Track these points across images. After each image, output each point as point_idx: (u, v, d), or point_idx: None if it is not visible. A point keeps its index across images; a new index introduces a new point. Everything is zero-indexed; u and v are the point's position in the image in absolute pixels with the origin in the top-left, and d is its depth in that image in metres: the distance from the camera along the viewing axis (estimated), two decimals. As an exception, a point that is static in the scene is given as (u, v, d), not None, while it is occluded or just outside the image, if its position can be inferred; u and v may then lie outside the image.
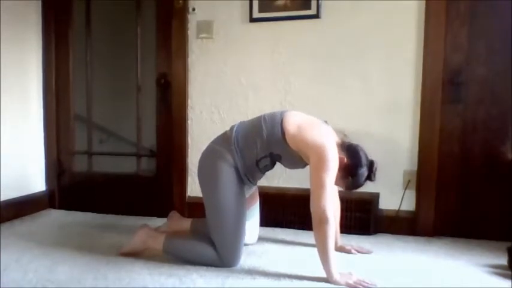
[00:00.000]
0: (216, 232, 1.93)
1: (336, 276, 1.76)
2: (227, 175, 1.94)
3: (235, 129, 2.01)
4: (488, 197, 2.39)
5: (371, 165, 1.91)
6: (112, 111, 3.59)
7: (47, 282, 1.78)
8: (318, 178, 1.79)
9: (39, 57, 3.00)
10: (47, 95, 3.03)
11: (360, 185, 1.94)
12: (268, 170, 2.06)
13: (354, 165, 1.89)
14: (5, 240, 2.31)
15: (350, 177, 1.89)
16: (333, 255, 1.79)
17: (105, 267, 1.93)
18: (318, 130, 1.91)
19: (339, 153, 1.86)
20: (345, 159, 1.87)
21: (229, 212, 1.92)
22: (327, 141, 1.84)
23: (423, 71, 2.41)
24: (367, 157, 1.92)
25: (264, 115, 2.01)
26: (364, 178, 1.91)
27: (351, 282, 1.75)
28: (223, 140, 2.02)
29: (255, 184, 2.15)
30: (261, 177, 2.12)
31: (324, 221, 1.75)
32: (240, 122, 2.07)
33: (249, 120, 2.06)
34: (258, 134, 1.95)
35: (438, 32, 2.37)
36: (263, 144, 1.94)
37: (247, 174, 1.99)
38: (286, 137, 1.89)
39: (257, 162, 1.97)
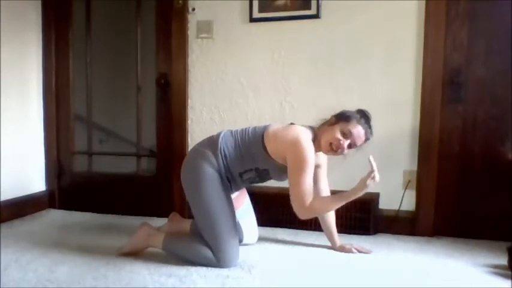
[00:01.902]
0: (207, 234, 1.94)
1: (355, 188, 1.89)
2: (210, 176, 1.94)
3: (222, 136, 2.01)
4: (488, 197, 2.39)
5: (357, 109, 1.98)
6: (112, 111, 3.59)
7: (47, 282, 1.78)
8: (295, 179, 1.86)
9: (39, 57, 3.00)
10: (47, 95, 3.03)
11: (363, 122, 1.94)
12: (254, 183, 2.08)
13: (342, 112, 1.97)
14: (5, 240, 2.30)
15: (350, 120, 1.92)
16: (337, 197, 1.93)
17: (105, 267, 1.93)
18: (291, 131, 1.92)
19: (326, 121, 1.97)
20: (333, 116, 1.96)
21: (216, 211, 1.92)
22: (299, 136, 1.88)
23: (423, 71, 2.40)
24: None
25: (248, 130, 2.02)
26: (359, 114, 1.95)
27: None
28: (210, 143, 2.02)
29: (235, 192, 2.15)
30: (244, 187, 2.16)
31: (312, 210, 1.90)
32: (227, 130, 2.07)
33: (235, 131, 2.05)
34: (242, 146, 1.97)
35: (438, 32, 2.37)
36: (247, 158, 1.96)
37: (230, 181, 2.00)
38: (268, 150, 1.92)
39: (241, 174, 1.99)
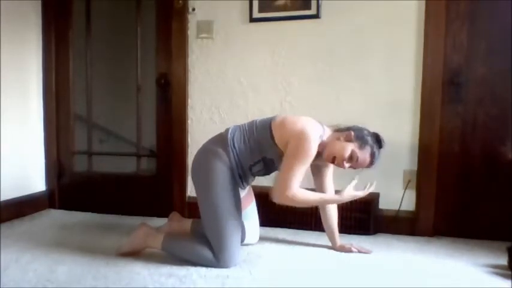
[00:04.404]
0: (212, 232, 1.93)
1: (343, 194, 1.95)
2: (222, 174, 1.94)
3: (230, 131, 2.02)
4: (488, 197, 2.39)
5: (375, 134, 1.97)
6: (112, 111, 3.59)
7: (47, 282, 1.78)
8: (289, 165, 1.86)
9: (39, 57, 3.00)
10: (47, 95, 3.03)
11: (374, 154, 1.93)
12: (261, 175, 2.08)
13: (361, 132, 1.94)
14: (5, 240, 2.31)
15: (364, 146, 1.91)
16: (322, 196, 2.05)
17: (105, 267, 1.93)
18: (301, 121, 1.93)
19: (343, 132, 1.94)
20: (352, 132, 1.92)
21: (224, 212, 1.92)
22: (308, 130, 1.88)
23: (423, 71, 2.40)
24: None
25: (256, 120, 2.05)
26: (374, 144, 1.93)
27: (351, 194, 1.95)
28: (219, 140, 2.02)
29: (246, 187, 2.16)
30: (253, 180, 2.16)
31: (291, 200, 1.89)
32: (234, 125, 2.08)
33: (242, 124, 2.07)
34: (250, 138, 1.98)
35: (438, 32, 2.37)
36: (256, 149, 1.97)
37: (241, 176, 2.01)
38: (275, 137, 1.92)
39: (251, 167, 2.00)
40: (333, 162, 1.94)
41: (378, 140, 1.95)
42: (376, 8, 2.46)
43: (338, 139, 1.93)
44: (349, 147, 1.90)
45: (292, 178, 1.85)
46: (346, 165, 1.92)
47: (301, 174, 1.87)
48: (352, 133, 1.92)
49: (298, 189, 1.87)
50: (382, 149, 1.96)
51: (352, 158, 1.90)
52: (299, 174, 1.86)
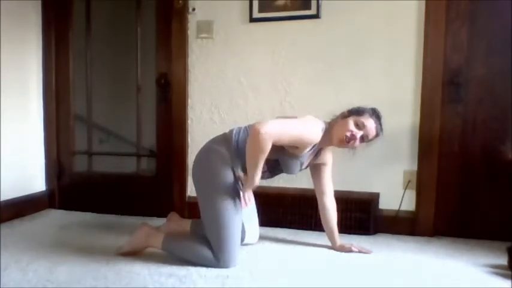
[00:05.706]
0: (212, 232, 1.93)
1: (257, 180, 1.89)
2: (224, 175, 1.94)
3: (235, 132, 2.02)
4: (488, 197, 2.39)
5: (371, 108, 2.00)
6: (112, 111, 3.59)
7: (47, 282, 1.78)
8: (291, 123, 1.93)
9: (39, 57, 3.00)
10: (47, 95, 3.03)
11: (375, 120, 1.96)
12: (264, 178, 2.06)
13: (355, 107, 1.99)
14: (5, 240, 2.31)
15: (363, 113, 1.95)
16: (259, 165, 1.86)
17: (105, 267, 1.93)
18: (303, 116, 1.97)
19: (340, 116, 1.99)
20: (347, 111, 1.98)
21: (224, 212, 1.91)
22: (309, 120, 1.95)
23: (423, 71, 2.41)
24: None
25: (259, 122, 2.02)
26: (370, 110, 1.97)
27: None
28: (223, 141, 2.02)
29: None
30: None
31: (261, 138, 1.79)
32: (238, 126, 2.08)
33: (246, 126, 2.06)
34: None
35: (438, 32, 2.37)
36: None
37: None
38: None
39: None
40: (347, 141, 1.92)
41: (373, 110, 1.99)
42: (376, 8, 2.46)
43: (336, 122, 1.98)
44: (350, 119, 1.94)
45: (276, 122, 1.89)
46: (358, 134, 1.92)
47: (287, 127, 1.88)
48: (347, 111, 1.98)
49: (270, 135, 1.80)
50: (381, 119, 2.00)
51: (359, 126, 1.92)
52: (285, 125, 1.88)
